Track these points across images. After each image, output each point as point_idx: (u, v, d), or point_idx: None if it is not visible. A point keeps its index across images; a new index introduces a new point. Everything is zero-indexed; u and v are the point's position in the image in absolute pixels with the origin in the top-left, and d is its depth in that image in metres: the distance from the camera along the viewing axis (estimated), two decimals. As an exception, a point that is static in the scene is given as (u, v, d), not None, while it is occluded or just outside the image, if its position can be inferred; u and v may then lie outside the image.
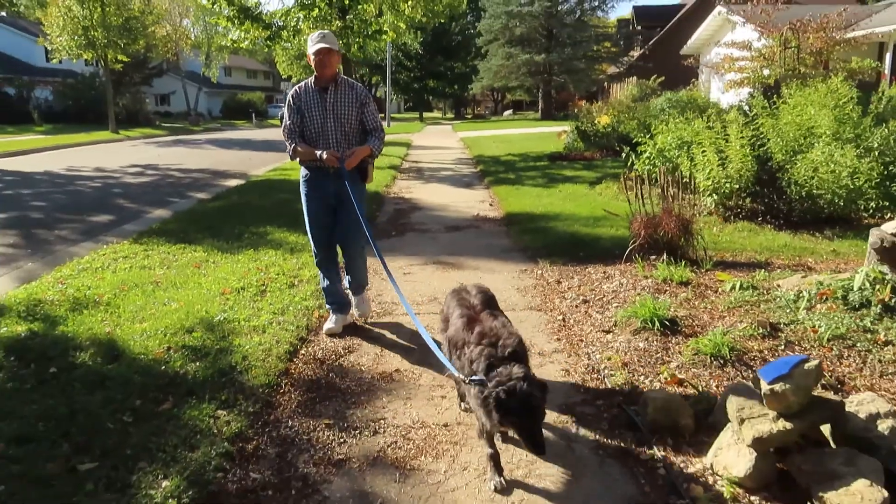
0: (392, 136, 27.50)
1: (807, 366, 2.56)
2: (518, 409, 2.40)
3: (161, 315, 4.64)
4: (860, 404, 2.72)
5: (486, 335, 2.70)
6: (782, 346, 3.58)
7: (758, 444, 2.50)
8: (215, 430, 3.03)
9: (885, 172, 6.59)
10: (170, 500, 2.51)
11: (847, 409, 2.67)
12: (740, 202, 7.13)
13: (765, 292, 4.38)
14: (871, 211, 6.65)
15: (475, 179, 12.66)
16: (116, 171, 15.72)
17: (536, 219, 7.80)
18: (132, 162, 17.81)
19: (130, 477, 2.67)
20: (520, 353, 2.66)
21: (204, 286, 5.37)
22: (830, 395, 2.81)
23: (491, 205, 9.43)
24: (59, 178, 14.22)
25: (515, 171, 13.00)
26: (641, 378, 3.46)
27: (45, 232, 8.41)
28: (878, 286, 3.83)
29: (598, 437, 3.00)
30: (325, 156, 4.04)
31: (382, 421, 3.23)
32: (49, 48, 33.37)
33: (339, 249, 4.55)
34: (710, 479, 2.61)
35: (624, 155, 8.51)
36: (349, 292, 4.64)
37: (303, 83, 4.25)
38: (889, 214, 6.47)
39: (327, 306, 4.51)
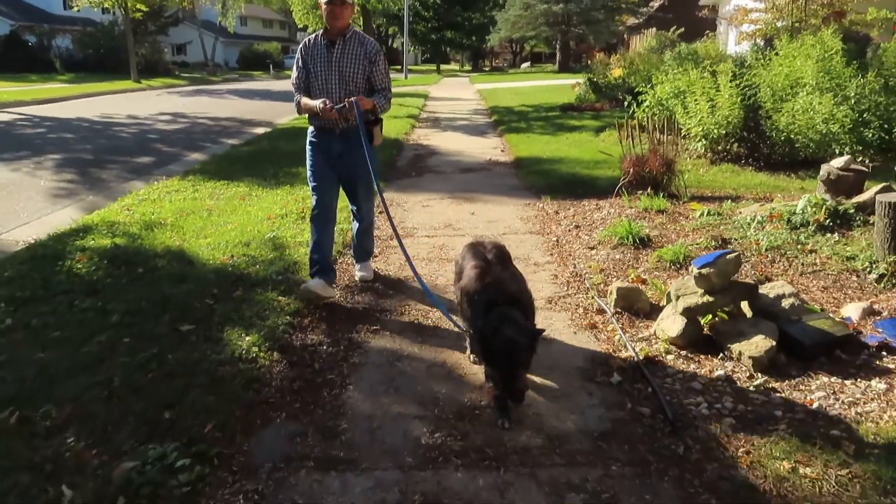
0: (409, 87, 28.01)
1: (728, 256, 3.39)
2: (499, 351, 2.50)
3: (219, 233, 5.54)
4: (772, 288, 3.57)
5: (491, 283, 2.82)
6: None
7: (687, 312, 3.36)
8: (279, 308, 3.94)
9: (860, 119, 7.27)
10: (253, 347, 3.42)
11: (760, 290, 3.52)
12: (728, 147, 7.87)
13: (727, 218, 5.20)
14: (840, 152, 7.34)
15: (489, 128, 13.38)
16: (148, 118, 16.54)
17: (542, 162, 8.58)
18: (161, 110, 18.61)
19: (221, 335, 3.59)
20: (521, 301, 2.76)
21: (251, 213, 6.26)
22: (752, 281, 3.65)
23: (502, 151, 10.21)
24: (96, 124, 15.08)
25: (528, 120, 13.71)
26: (614, 279, 4.32)
27: (97, 171, 9.30)
28: (816, 210, 4.63)
29: (573, 318, 3.87)
30: (319, 107, 3.84)
31: (407, 306, 4.12)
32: (76, -3, 33.96)
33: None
34: (653, 341, 3.49)
35: (626, 104, 9.21)
36: (353, 259, 4.66)
37: (312, 36, 4.11)
38: (861, 157, 7.17)
39: (310, 271, 4.23)
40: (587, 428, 2.75)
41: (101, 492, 2.36)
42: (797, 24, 14.78)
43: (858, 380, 3.01)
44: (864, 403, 2.83)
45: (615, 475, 2.45)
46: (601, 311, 3.89)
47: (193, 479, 2.43)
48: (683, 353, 3.34)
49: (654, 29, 33.45)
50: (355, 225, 4.48)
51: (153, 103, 21.19)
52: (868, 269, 3.98)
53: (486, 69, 62.08)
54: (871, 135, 7.15)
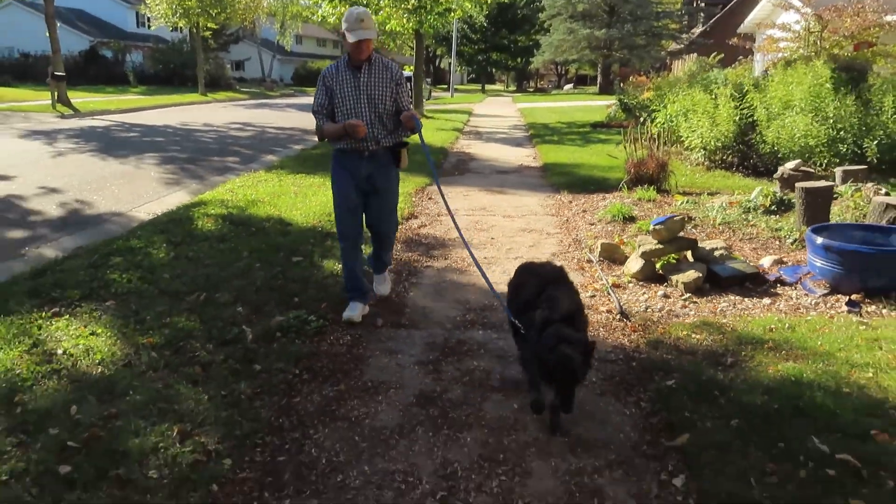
0: (455, 105, 29.78)
1: (675, 218, 4.88)
2: (558, 369, 2.63)
3: (306, 207, 7.21)
4: (710, 244, 5.04)
5: (548, 299, 2.94)
6: (690, 227, 5.88)
7: (644, 255, 4.85)
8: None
9: (836, 136, 8.59)
10: (336, 265, 5.03)
11: (699, 244, 4.99)
12: (723, 157, 9.27)
13: (700, 205, 6.65)
14: (823, 165, 8.66)
15: (525, 140, 14.96)
16: (222, 126, 18.57)
17: (566, 167, 10.12)
18: (231, 120, 20.68)
19: (321, 262, 5.22)
20: (575, 317, 2.86)
21: (328, 195, 7.86)
22: (695, 236, 5.13)
23: (534, 158, 11.77)
24: (179, 130, 17.12)
25: (560, 134, 15.26)
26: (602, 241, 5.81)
27: (192, 167, 11.14)
28: (764, 198, 6.06)
29: (569, 265, 5.37)
30: (346, 125, 3.88)
31: (450, 255, 5.69)
32: (149, 16, 36.91)
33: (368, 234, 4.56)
34: (622, 276, 4.98)
35: (642, 120, 10.68)
36: (371, 270, 4.66)
37: (335, 63, 4.17)
38: (835, 168, 8.48)
39: (346, 294, 4.32)
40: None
41: (267, 331, 3.96)
42: (816, 53, 16.00)
43: (753, 298, 4.46)
44: (750, 309, 4.28)
45: (590, 328, 3.96)
46: (590, 261, 5.40)
47: (318, 326, 4.03)
48: (640, 283, 4.83)
49: (695, 55, 34.69)
50: (375, 240, 4.50)
51: (223, 114, 23.36)
52: (787, 237, 5.41)
53: (531, 90, 63.72)
54: (844, 148, 8.47)
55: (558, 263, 3.55)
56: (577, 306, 2.99)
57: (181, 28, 40.53)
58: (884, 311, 4.12)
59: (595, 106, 26.16)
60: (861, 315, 4.07)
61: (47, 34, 24.66)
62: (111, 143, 13.87)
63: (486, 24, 51.95)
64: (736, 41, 23.12)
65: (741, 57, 26.76)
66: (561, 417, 2.90)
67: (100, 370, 3.44)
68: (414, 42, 19.93)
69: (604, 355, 3.68)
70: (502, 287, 4.81)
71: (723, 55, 27.32)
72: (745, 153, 9.04)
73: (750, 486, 2.45)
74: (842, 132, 8.64)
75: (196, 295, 4.51)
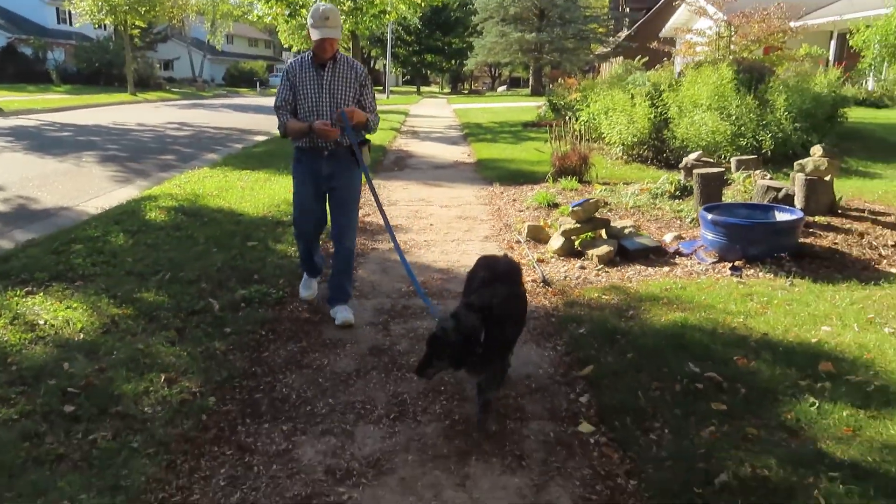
0: (391, 106, 30.26)
1: (590, 201, 5.57)
2: (429, 342, 2.76)
3: (255, 200, 7.62)
4: (621, 223, 5.76)
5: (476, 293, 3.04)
6: (606, 210, 6.62)
7: (564, 233, 5.53)
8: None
9: (738, 131, 9.55)
10: (296, 253, 5.52)
11: (612, 223, 5.71)
12: (640, 151, 10.14)
13: (616, 192, 7.42)
14: (726, 157, 9.59)
15: (460, 139, 15.64)
16: (158, 126, 18.53)
17: (498, 162, 10.81)
18: (167, 120, 20.59)
19: (275, 246, 5.69)
20: (491, 311, 2.84)
21: (274, 189, 8.34)
22: (608, 217, 5.85)
23: (468, 155, 12.43)
24: (113, 130, 17.02)
25: (493, 133, 16.01)
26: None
27: (134, 164, 11.30)
28: (669, 185, 6.86)
29: (500, 245, 6.02)
30: (316, 125, 3.85)
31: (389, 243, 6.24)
32: (72, 12, 35.91)
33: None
34: (546, 253, 5.64)
35: (568, 118, 11.48)
36: (329, 300, 4.36)
37: (299, 57, 4.11)
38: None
39: (301, 266, 4.62)
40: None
41: (232, 302, 4.43)
42: (727, 56, 17.27)
43: (655, 267, 5.19)
44: (652, 276, 5.01)
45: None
46: (518, 242, 6.05)
47: (279, 297, 4.53)
48: (561, 257, 5.51)
49: (622, 57, 36.26)
50: (335, 257, 4.29)
51: (156, 114, 23.16)
52: (687, 217, 6.21)
53: (465, 92, 64.71)
54: (745, 143, 9.43)
55: (515, 261, 3.56)
56: (503, 300, 2.95)
57: (105, 25, 39.55)
58: (760, 273, 4.91)
59: (527, 107, 27.10)
60: (741, 277, 4.84)
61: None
62: (45, 142, 13.80)
63: (420, 27, 52.54)
64: (656, 45, 24.47)
65: (664, 59, 28.29)
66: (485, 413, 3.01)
67: (81, 336, 3.84)
68: (350, 43, 20.36)
69: (529, 314, 4.31)
70: (441, 264, 5.41)
71: (647, 58, 28.80)
72: (659, 148, 9.93)
73: (637, 398, 3.11)
74: (742, 128, 9.60)
75: (161, 274, 4.92)
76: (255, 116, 23.27)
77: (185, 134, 16.68)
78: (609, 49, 44.09)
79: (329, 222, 4.30)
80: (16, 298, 4.38)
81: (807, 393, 3.10)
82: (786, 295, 4.42)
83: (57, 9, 49.05)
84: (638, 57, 28.57)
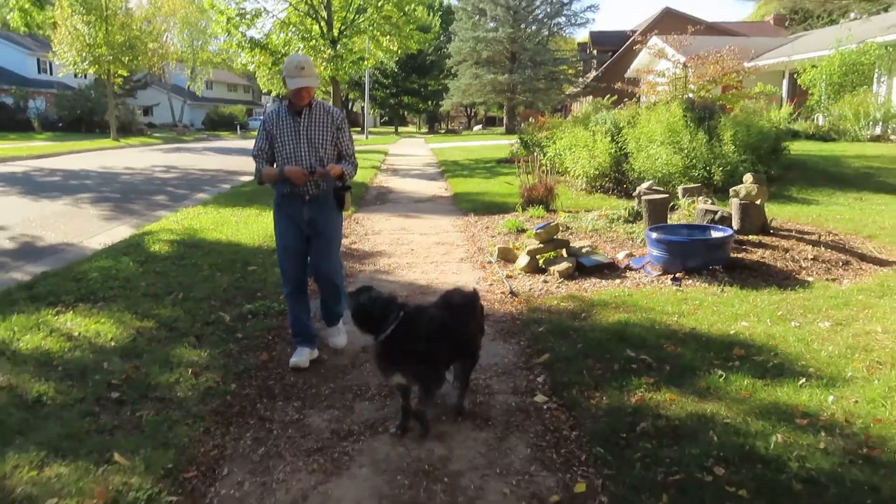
0: (371, 146, 31.25)
1: (551, 224, 6.35)
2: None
3: (249, 232, 8.31)
4: (580, 243, 6.53)
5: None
6: (568, 234, 7.40)
7: (529, 253, 6.29)
8: (303, 261, 6.73)
9: (689, 164, 10.46)
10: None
11: (571, 244, 6.48)
12: (602, 182, 11.01)
13: (578, 218, 8.23)
14: (677, 187, 10.45)
15: (437, 175, 16.49)
16: (146, 169, 19.20)
17: (473, 195, 11.62)
18: (152, 163, 21.25)
19: (274, 270, 6.36)
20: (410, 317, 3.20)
21: (266, 223, 9.01)
22: (566, 238, 6.62)
23: (446, 190, 13.25)
24: (103, 174, 17.64)
25: (469, 169, 16.90)
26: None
27: (127, 205, 11.93)
28: (625, 211, 7.68)
29: (473, 266, 6.75)
30: (286, 170, 3.93)
31: (377, 262, 6.94)
32: (56, 63, 36.72)
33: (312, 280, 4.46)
34: (514, 271, 6.38)
35: (536, 154, 12.37)
36: (320, 324, 4.59)
37: (275, 106, 4.25)
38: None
39: (293, 340, 4.33)
40: (477, 288, 5.60)
41: (240, 314, 5.09)
42: (684, 95, 18.44)
43: (608, 280, 5.95)
44: (605, 287, 5.75)
45: (487, 311, 5.29)
46: (490, 262, 6.79)
47: (281, 309, 5.20)
48: (527, 274, 6.25)
49: (591, 97, 37.76)
50: (320, 290, 4.42)
51: (141, 158, 23.82)
52: (637, 237, 7.01)
53: (442, 131, 66.22)
54: (696, 174, 10.34)
55: (473, 293, 3.73)
56: (431, 320, 3.28)
57: (86, 74, 40.31)
58: (696, 283, 5.68)
59: (501, 144, 28.17)
60: (680, 286, 5.61)
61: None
62: (37, 186, 14.39)
63: (396, 70, 54.05)
64: (620, 85, 25.80)
65: (626, 99, 29.67)
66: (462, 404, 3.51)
67: (113, 344, 4.48)
68: (330, 88, 21.30)
69: (498, 319, 5.03)
70: (422, 282, 6.11)
71: (615, 97, 30.24)
72: (619, 179, 10.81)
73: (584, 376, 3.82)
74: (694, 160, 10.53)
75: (174, 294, 5.58)
76: (237, 158, 24.00)
77: (172, 176, 17.35)
78: (579, 89, 45.81)
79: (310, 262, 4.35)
80: (49, 316, 5.00)
81: (719, 369, 3.83)
82: (715, 299, 5.20)
83: (38, 59, 49.84)
84: (607, 96, 30.05)
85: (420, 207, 10.85)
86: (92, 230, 9.34)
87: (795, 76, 22.55)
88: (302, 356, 4.17)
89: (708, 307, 4.99)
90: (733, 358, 4.00)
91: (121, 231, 9.23)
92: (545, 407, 3.57)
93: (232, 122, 59.77)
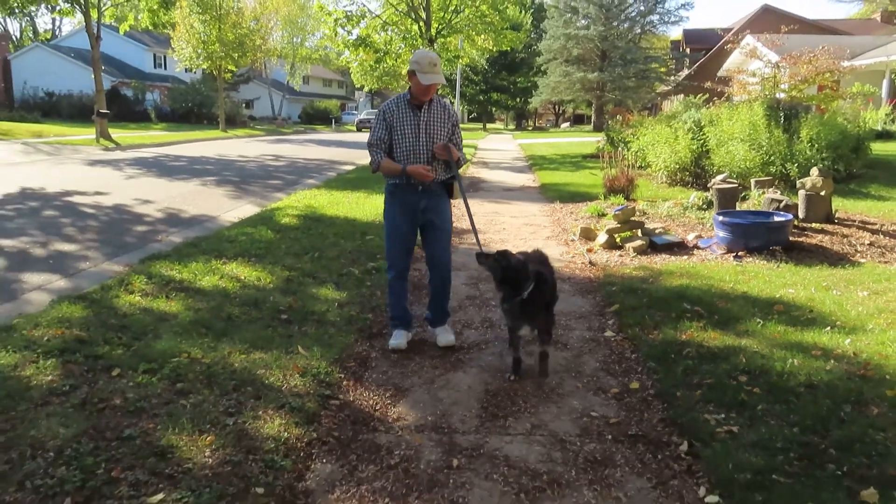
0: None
1: (628, 207, 7.24)
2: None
3: (362, 210, 9.57)
4: (653, 225, 7.39)
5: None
6: (645, 217, 8.24)
7: (608, 232, 7.21)
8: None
9: (767, 160, 10.99)
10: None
11: (645, 225, 7.35)
12: (682, 176, 11.69)
13: (655, 206, 9.03)
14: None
15: (526, 168, 17.46)
16: (257, 157, 21.04)
17: (559, 185, 12.54)
18: (261, 153, 23.17)
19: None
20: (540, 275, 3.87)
21: (376, 204, 10.27)
22: (641, 220, 7.48)
23: (533, 181, 14.22)
24: (220, 160, 19.54)
25: (555, 163, 17.79)
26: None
27: (247, 186, 13.51)
28: (698, 200, 8.44)
29: (558, 243, 7.71)
30: (410, 169, 4.08)
31: (463, 239, 8.03)
32: (175, 59, 39.94)
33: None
34: (594, 247, 7.32)
35: (620, 149, 13.14)
36: (430, 322, 4.64)
37: (395, 99, 4.29)
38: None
39: (390, 323, 4.54)
40: (562, 261, 6.59)
41: (365, 269, 6.27)
42: (774, 95, 18.57)
43: (677, 256, 6.79)
44: (673, 261, 6.61)
45: (568, 275, 6.27)
46: (573, 240, 7.74)
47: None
48: (605, 249, 7.17)
49: (683, 95, 37.60)
50: (432, 280, 4.57)
51: (250, 148, 25.89)
52: (708, 222, 7.78)
53: (529, 128, 66.73)
54: (773, 169, 10.87)
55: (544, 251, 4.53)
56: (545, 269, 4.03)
57: (193, 70, 43.44)
58: (756, 260, 6.45)
59: (588, 142, 28.77)
60: (741, 262, 6.40)
61: (88, 75, 27.08)
62: (169, 170, 16.30)
63: (486, 67, 54.97)
64: (711, 84, 25.88)
65: (715, 98, 29.56)
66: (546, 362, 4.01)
67: (272, 285, 5.74)
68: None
69: (578, 282, 6.01)
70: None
71: (707, 95, 30.22)
72: (699, 174, 11.46)
73: (645, 320, 4.75)
74: (772, 157, 11.05)
75: (310, 254, 6.84)
76: (338, 150, 25.74)
77: (282, 164, 19.05)
78: (670, 87, 45.46)
79: (424, 251, 4.60)
80: (218, 265, 6.34)
81: (758, 318, 4.69)
82: (769, 272, 5.98)
83: (154, 54, 53.89)
84: (699, 94, 30.08)
85: (509, 195, 11.88)
86: (223, 206, 10.84)
87: (893, 76, 22.10)
88: (400, 339, 4.41)
89: (761, 278, 5.79)
90: (773, 312, 4.83)
91: (247, 208, 10.68)
92: (612, 339, 4.54)
93: (326, 116, 62.41)
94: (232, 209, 10.58)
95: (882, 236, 7.00)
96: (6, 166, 15.98)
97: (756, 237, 6.60)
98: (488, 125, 67.65)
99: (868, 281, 5.61)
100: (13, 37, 62.27)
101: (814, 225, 7.38)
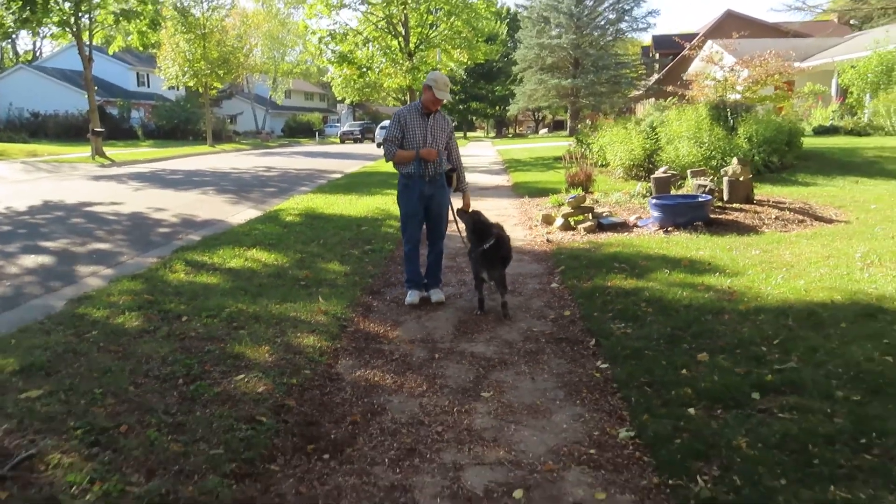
0: (440, 148, 33.85)
1: (579, 194, 8.69)
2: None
3: (356, 208, 10.94)
4: (601, 209, 8.84)
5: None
6: (597, 205, 9.69)
7: (563, 216, 8.65)
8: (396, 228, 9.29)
9: (709, 154, 12.50)
10: (388, 229, 8.74)
11: (595, 210, 8.79)
12: (636, 171, 13.19)
13: (607, 195, 10.50)
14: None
15: (501, 171, 18.94)
16: (249, 169, 22.33)
17: (529, 183, 14.01)
18: (253, 165, 24.45)
19: (380, 229, 8.93)
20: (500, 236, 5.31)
21: (365, 203, 11.67)
22: (592, 206, 8.93)
23: (507, 181, 15.69)
24: (215, 173, 20.81)
25: (528, 165, 19.32)
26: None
27: (246, 194, 14.80)
28: (642, 189, 9.91)
29: (523, 227, 9.13)
30: (422, 151, 5.27)
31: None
32: (159, 77, 41.13)
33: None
34: (552, 229, 8.74)
35: (584, 150, 14.64)
36: (425, 286, 5.84)
37: (408, 106, 5.49)
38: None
39: (406, 285, 5.80)
40: (525, 240, 8.00)
41: (363, 251, 7.65)
42: (730, 96, 20.19)
43: (619, 233, 8.23)
44: (615, 237, 8.04)
45: (529, 250, 7.68)
46: (535, 225, 9.17)
47: (391, 249, 7.74)
48: (561, 231, 8.60)
49: (654, 99, 39.34)
50: (430, 254, 5.83)
51: (240, 161, 27.16)
52: (647, 207, 9.25)
53: (509, 135, 68.39)
54: (714, 163, 12.37)
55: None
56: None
57: (178, 87, 44.52)
58: (681, 233, 7.90)
59: (562, 146, 30.22)
60: (668, 235, 7.85)
61: (72, 95, 28.12)
62: (170, 182, 17.57)
63: (465, 77, 56.54)
64: (672, 88, 27.56)
65: (674, 100, 31.12)
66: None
67: (288, 263, 7.10)
68: (408, 95, 24.04)
69: (536, 253, 7.43)
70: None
71: (676, 99, 31.94)
72: (651, 169, 12.94)
73: (581, 274, 6.17)
74: (713, 152, 12.57)
75: (315, 242, 8.21)
76: (324, 160, 27.08)
77: (274, 174, 20.37)
78: (641, 92, 47.30)
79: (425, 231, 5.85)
80: (240, 251, 7.69)
81: (666, 270, 6.13)
82: (688, 241, 7.44)
83: (137, 73, 54.93)
84: (669, 98, 31.79)
85: (485, 193, 13.32)
86: (229, 211, 12.16)
87: (839, 76, 23.85)
88: (414, 297, 5.69)
89: (680, 245, 7.26)
90: (680, 266, 6.28)
91: (250, 212, 11.99)
92: (556, 288, 5.97)
93: (309, 129, 63.71)
94: (237, 213, 11.88)
95: (787, 212, 8.49)
96: (17, 183, 17.21)
97: (682, 215, 8.06)
98: (469, 133, 69.27)
99: (763, 244, 7.08)
100: (-5, 59, 63.13)
101: (734, 205, 8.87)
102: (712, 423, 3.15)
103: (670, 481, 2.72)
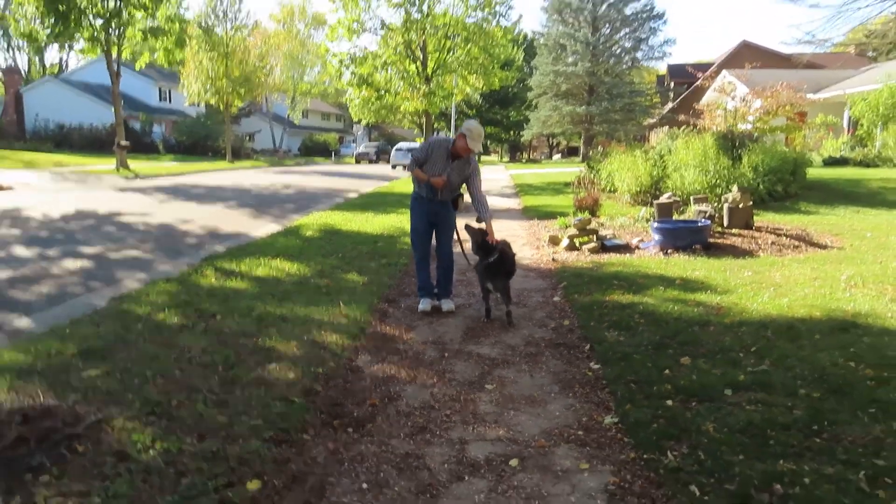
0: (454, 170, 34.49)
1: (583, 217, 9.18)
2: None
3: (372, 226, 11.49)
4: (605, 231, 9.32)
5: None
6: (602, 228, 10.17)
7: (569, 237, 9.14)
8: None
9: (714, 183, 12.97)
10: (401, 245, 9.26)
11: (600, 232, 9.27)
12: (643, 197, 13.67)
13: (613, 219, 10.97)
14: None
15: (513, 195, 19.47)
16: (269, 186, 22.99)
17: (539, 207, 14.51)
18: (271, 182, 25.12)
19: (396, 245, 9.44)
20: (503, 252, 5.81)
21: (382, 220, 12.20)
22: (597, 228, 9.42)
23: (519, 204, 16.20)
24: (236, 188, 21.46)
25: (539, 190, 19.84)
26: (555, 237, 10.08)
27: (266, 209, 15.41)
28: (646, 214, 10.38)
29: (531, 247, 9.62)
30: (433, 180, 5.78)
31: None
32: (182, 94, 42.20)
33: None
34: (558, 249, 9.23)
35: (593, 176, 15.15)
36: (436, 296, 6.30)
37: (445, 140, 5.92)
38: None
39: (419, 293, 6.27)
40: (532, 259, 8.48)
41: (380, 265, 8.16)
42: (742, 125, 20.67)
43: (622, 254, 8.69)
44: (617, 257, 8.51)
45: (535, 267, 8.17)
46: (542, 246, 9.65)
47: (405, 263, 8.24)
48: (567, 251, 9.08)
49: (668, 127, 39.93)
50: (439, 267, 6.29)
51: (259, 177, 27.86)
52: (650, 231, 9.72)
53: (523, 160, 69.09)
54: (720, 191, 12.84)
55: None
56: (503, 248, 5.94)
57: (199, 104, 45.56)
58: (680, 255, 8.36)
59: (574, 171, 30.86)
60: (667, 256, 8.31)
61: (97, 107, 28.98)
62: (193, 196, 18.22)
63: (480, 102, 57.38)
64: (684, 117, 28.10)
65: (686, 128, 31.62)
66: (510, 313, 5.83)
67: (310, 273, 7.62)
68: (423, 119, 24.75)
69: (541, 271, 7.90)
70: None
71: (690, 127, 32.48)
72: (657, 195, 13.42)
73: (583, 290, 6.64)
74: (718, 180, 13.05)
75: (335, 255, 8.74)
76: (341, 180, 27.73)
77: (293, 192, 21.01)
78: (655, 120, 47.90)
79: (436, 245, 6.35)
80: (265, 260, 8.22)
81: (662, 287, 6.58)
82: (686, 262, 7.90)
83: (160, 88, 56.17)
84: (682, 127, 32.35)
85: (496, 215, 13.72)
86: (251, 225, 12.73)
87: (850, 108, 24.32)
88: (426, 304, 6.17)
89: (678, 265, 7.72)
90: (675, 284, 6.74)
91: (271, 226, 12.56)
92: (558, 302, 6.44)
93: (326, 149, 64.72)
94: (259, 227, 12.45)
95: (784, 237, 8.94)
96: (49, 192, 17.94)
97: (681, 238, 8.52)
98: (483, 158, 69.96)
99: (756, 266, 7.53)
100: (21, 71, 64.73)
101: (734, 230, 9.32)
102: (686, 413, 3.62)
103: (644, 456, 3.18)
